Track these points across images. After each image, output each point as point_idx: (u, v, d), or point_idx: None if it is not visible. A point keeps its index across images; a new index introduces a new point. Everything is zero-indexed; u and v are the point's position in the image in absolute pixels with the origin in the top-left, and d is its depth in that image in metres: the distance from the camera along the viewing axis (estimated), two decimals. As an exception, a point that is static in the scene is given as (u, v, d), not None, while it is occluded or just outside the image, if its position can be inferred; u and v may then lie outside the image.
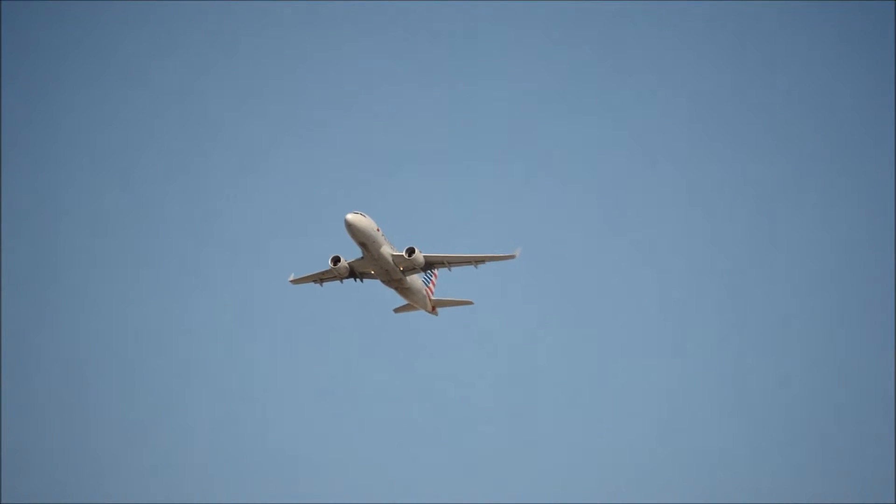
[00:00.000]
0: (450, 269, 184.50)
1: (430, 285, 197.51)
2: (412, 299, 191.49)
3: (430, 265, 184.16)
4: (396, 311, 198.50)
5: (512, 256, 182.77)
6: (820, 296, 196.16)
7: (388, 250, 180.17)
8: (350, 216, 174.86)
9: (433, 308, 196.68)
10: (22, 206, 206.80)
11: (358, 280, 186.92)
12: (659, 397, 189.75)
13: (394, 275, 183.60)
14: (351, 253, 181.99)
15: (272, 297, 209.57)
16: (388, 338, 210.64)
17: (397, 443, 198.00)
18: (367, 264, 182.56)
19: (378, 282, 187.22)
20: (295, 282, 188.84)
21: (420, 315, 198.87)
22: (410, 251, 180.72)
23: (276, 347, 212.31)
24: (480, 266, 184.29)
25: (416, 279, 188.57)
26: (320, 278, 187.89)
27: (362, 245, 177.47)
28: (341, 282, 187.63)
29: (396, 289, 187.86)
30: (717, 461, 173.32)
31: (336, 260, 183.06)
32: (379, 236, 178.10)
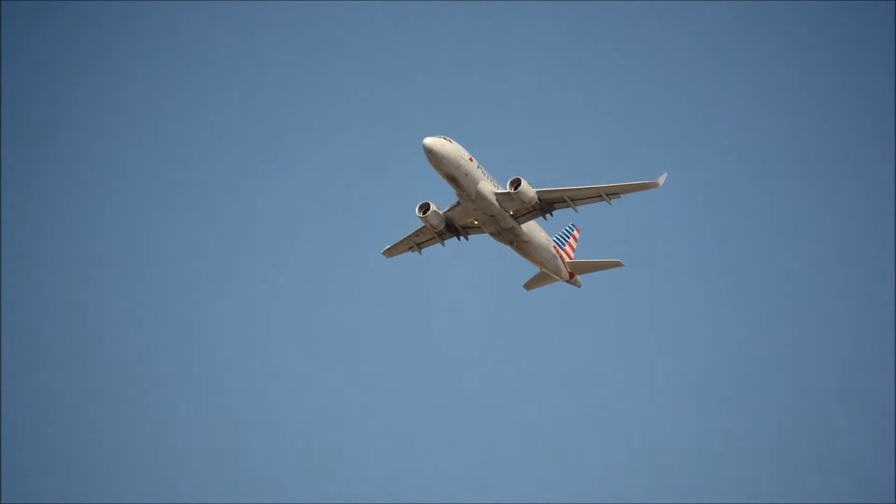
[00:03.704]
0: (575, 210, 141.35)
1: (567, 247, 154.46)
2: (538, 261, 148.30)
3: (548, 205, 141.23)
4: (527, 286, 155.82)
5: (655, 184, 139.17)
6: (820, 295, 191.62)
7: (488, 186, 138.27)
8: (429, 140, 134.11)
9: (571, 275, 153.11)
10: (22, 206, 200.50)
11: (462, 238, 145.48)
12: (654, 396, 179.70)
13: (503, 222, 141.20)
14: (446, 203, 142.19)
15: (290, 297, 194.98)
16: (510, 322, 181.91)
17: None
18: (466, 211, 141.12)
19: (492, 242, 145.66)
20: (388, 253, 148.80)
21: (558, 289, 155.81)
22: (515, 183, 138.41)
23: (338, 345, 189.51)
24: (615, 202, 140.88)
25: (536, 230, 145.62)
26: (415, 242, 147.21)
27: (452, 181, 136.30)
28: (443, 244, 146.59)
29: (512, 244, 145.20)
30: (717, 461, 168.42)
31: (425, 207, 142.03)
32: (473, 168, 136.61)
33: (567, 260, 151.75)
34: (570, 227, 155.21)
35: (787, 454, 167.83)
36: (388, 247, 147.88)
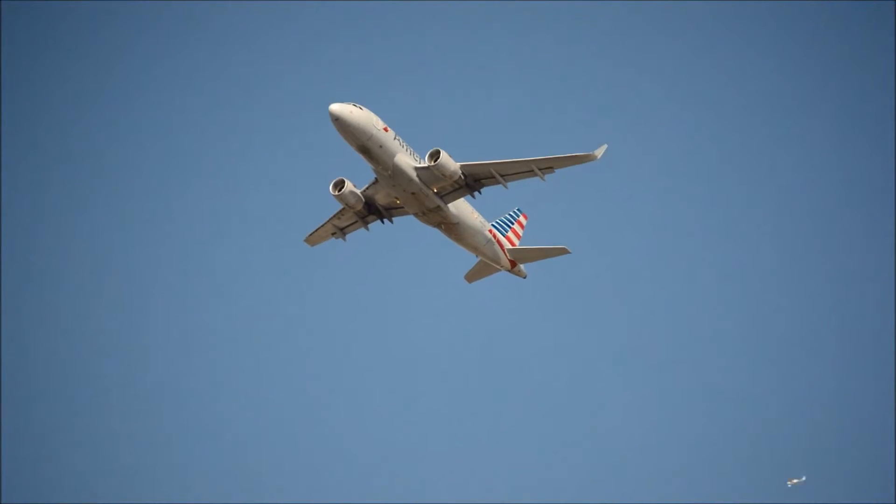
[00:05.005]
0: (505, 186, 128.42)
1: (511, 234, 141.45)
2: (472, 246, 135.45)
3: (474, 181, 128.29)
4: (468, 277, 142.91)
5: (592, 157, 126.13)
6: (819, 295, 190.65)
7: (406, 160, 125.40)
8: (335, 107, 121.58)
9: (513, 263, 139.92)
10: (22, 206, 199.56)
11: (386, 220, 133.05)
12: (655, 397, 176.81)
13: (427, 201, 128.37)
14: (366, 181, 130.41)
15: (284, 295, 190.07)
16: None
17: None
18: (385, 188, 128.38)
19: (422, 226, 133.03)
20: (310, 241, 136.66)
21: (502, 280, 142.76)
22: (435, 155, 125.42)
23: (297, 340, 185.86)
24: (550, 177, 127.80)
25: (467, 211, 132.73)
26: (337, 226, 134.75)
27: (365, 153, 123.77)
28: (366, 228, 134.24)
29: (440, 227, 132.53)
30: (717, 461, 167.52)
31: (339, 185, 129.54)
32: (388, 138, 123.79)
33: (506, 247, 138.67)
34: (515, 213, 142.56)
35: (787, 454, 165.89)
36: (310, 233, 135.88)
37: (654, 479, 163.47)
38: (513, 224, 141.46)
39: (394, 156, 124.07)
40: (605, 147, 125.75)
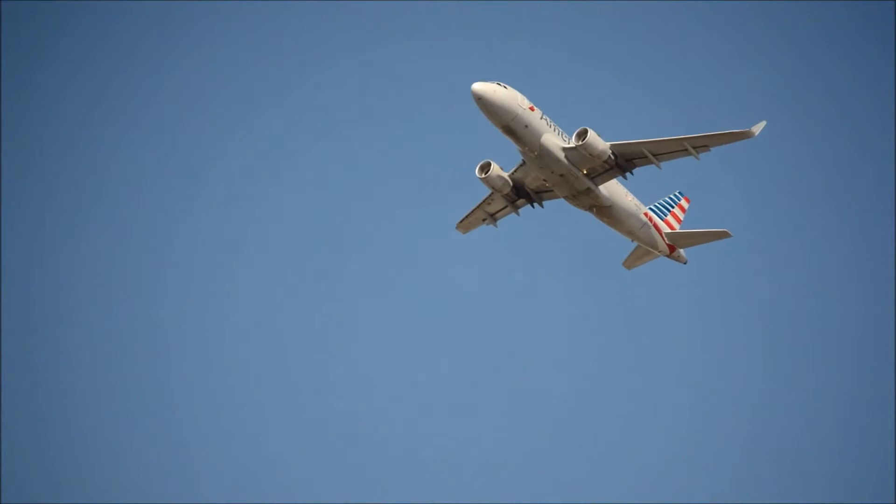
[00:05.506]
0: (658, 166, 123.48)
1: (671, 218, 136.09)
2: (626, 230, 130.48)
3: (626, 161, 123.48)
4: (626, 263, 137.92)
5: (749, 134, 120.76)
6: (818, 295, 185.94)
7: (553, 140, 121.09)
8: (478, 86, 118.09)
9: (671, 248, 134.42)
10: (22, 207, 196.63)
11: (536, 205, 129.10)
12: (654, 398, 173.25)
13: (576, 183, 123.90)
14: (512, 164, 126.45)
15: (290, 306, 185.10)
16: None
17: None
18: (533, 171, 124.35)
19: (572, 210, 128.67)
20: (463, 227, 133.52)
21: (657, 268, 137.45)
22: (582, 134, 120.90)
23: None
24: (704, 156, 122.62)
25: (620, 193, 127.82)
26: (487, 212, 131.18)
27: (510, 134, 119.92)
28: (517, 213, 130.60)
29: (592, 210, 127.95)
30: (716, 461, 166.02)
31: (485, 167, 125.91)
32: (534, 118, 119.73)
33: (664, 231, 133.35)
34: (675, 196, 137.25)
35: (788, 454, 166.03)
36: (461, 220, 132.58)
37: (648, 479, 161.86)
38: (672, 207, 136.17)
39: (540, 136, 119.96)
40: (763, 124, 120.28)
